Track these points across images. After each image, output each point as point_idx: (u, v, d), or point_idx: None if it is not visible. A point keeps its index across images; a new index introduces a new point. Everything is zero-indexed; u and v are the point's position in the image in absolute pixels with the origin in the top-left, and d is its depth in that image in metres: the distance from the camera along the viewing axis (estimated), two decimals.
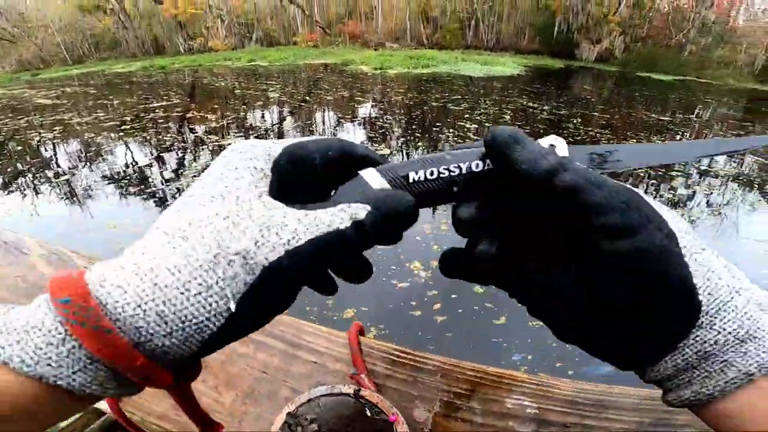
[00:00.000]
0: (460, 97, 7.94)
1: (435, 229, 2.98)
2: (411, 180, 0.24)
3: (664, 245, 0.20)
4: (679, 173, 4.27)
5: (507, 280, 0.25)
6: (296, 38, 20.80)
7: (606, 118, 6.69)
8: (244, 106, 7.72)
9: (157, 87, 10.87)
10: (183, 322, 0.17)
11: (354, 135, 5.58)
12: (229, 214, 0.19)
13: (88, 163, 4.92)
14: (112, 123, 6.62)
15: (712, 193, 3.89)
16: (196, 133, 5.93)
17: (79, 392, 0.17)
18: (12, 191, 4.22)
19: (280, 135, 5.67)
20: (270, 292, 0.19)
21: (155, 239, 0.18)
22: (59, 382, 0.16)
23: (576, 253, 0.22)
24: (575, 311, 0.22)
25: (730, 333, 0.20)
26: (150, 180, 4.26)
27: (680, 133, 6.24)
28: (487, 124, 5.89)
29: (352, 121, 6.46)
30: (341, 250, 0.20)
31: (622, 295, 0.20)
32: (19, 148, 5.74)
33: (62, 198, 3.96)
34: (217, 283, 0.17)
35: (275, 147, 0.23)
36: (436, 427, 0.36)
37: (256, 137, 5.35)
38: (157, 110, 7.43)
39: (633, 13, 17.78)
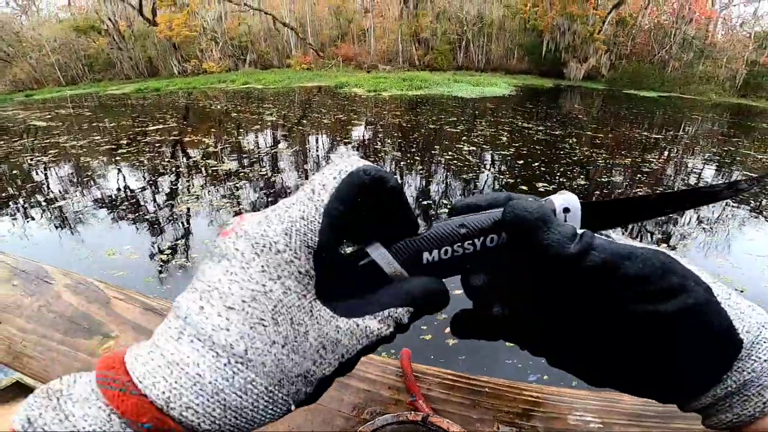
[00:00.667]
0: (455, 118, 8.06)
1: None
2: (425, 261, 0.23)
3: (707, 298, 0.22)
4: (671, 190, 4.32)
5: (521, 336, 0.26)
6: (290, 61, 21.15)
7: (599, 138, 6.82)
8: (240, 129, 7.77)
9: (151, 109, 10.90)
10: (251, 426, 0.19)
11: (349, 157, 5.62)
12: (286, 341, 0.19)
13: (81, 188, 4.87)
14: (107, 146, 6.60)
15: (699, 210, 3.95)
16: (192, 157, 5.93)
17: None
18: (2, 216, 4.14)
19: (275, 159, 5.68)
20: (322, 392, 0.21)
21: (205, 358, 0.18)
22: None
23: (599, 314, 0.23)
24: (606, 365, 0.24)
25: (765, 361, 0.22)
26: (144, 205, 4.22)
27: (671, 150, 6.38)
28: (485, 146, 5.95)
29: (346, 144, 6.51)
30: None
31: (671, 346, 0.22)
32: (14, 171, 5.68)
33: (53, 223, 3.90)
34: (282, 398, 0.20)
35: (306, 229, 0.20)
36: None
37: (252, 162, 5.40)
38: (152, 133, 7.43)
39: (617, 31, 18.38)
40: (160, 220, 3.81)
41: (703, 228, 3.64)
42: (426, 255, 0.23)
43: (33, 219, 4.03)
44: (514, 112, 9.14)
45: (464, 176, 4.61)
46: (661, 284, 0.22)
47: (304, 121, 8.34)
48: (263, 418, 0.19)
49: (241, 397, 0.18)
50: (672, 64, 17.50)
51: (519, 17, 19.21)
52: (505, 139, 6.37)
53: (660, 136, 7.32)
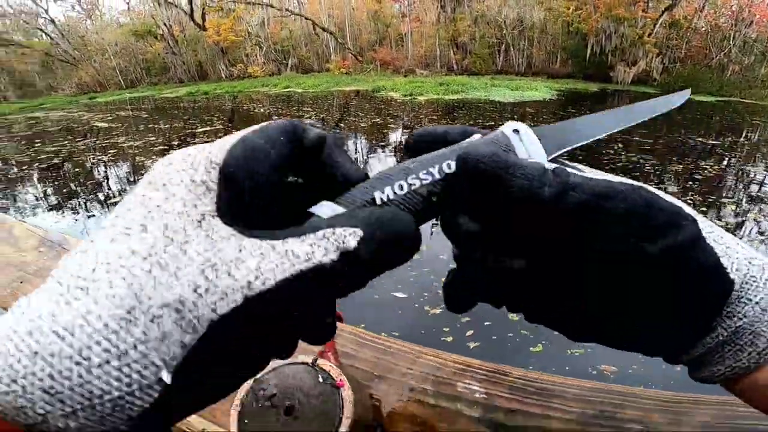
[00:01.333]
0: (493, 123, 7.95)
1: None
2: (379, 202, 0.19)
3: (697, 234, 0.20)
4: (729, 200, 4.06)
5: (510, 293, 0.23)
6: (329, 65, 21.65)
7: (648, 143, 6.48)
8: None
9: (201, 112, 11.56)
10: (89, 399, 0.12)
11: (386, 161, 5.69)
12: (152, 251, 0.14)
13: (127, 182, 5.25)
14: (161, 147, 7.08)
15: (761, 221, 3.68)
16: None
17: None
18: (65, 211, 4.52)
19: None
20: (229, 353, 0.14)
21: (46, 291, 0.14)
22: None
23: (582, 260, 0.20)
24: (593, 312, 0.21)
25: (756, 303, 0.20)
26: None
27: (729, 157, 5.95)
28: None
29: (383, 147, 6.59)
30: (326, 292, 0.16)
31: (657, 290, 0.20)
32: (77, 169, 6.22)
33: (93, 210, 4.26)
34: (134, 348, 0.13)
35: (217, 150, 0.17)
36: (393, 404, 0.38)
37: None
38: (201, 135, 7.90)
39: (670, 34, 17.38)
40: None
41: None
42: (378, 194, 0.20)
43: (93, 216, 4.41)
44: (556, 117, 8.88)
45: None
46: (647, 222, 0.19)
47: (342, 125, 8.53)
48: (105, 387, 0.13)
49: (63, 339, 0.13)
50: (732, 67, 16.30)
51: (561, 20, 18.62)
52: None
53: (717, 143, 6.85)
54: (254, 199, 0.17)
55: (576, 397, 0.34)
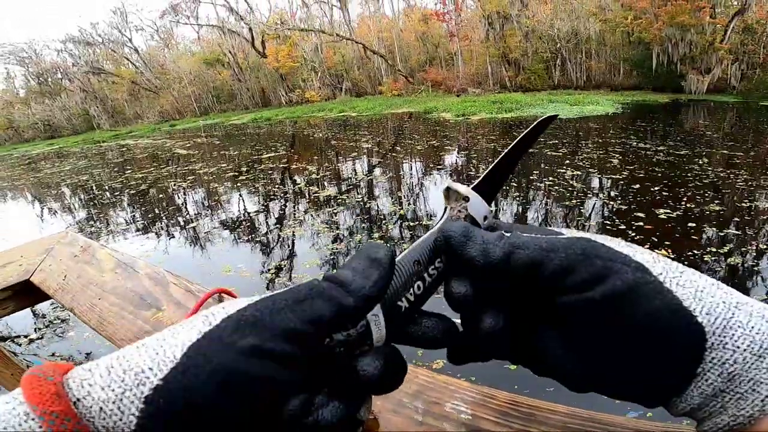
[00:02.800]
0: (556, 141, 7.68)
1: None
2: (403, 310, 0.24)
3: (638, 278, 0.20)
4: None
5: (509, 351, 0.25)
6: (381, 87, 22.26)
7: (739, 156, 5.93)
8: (339, 156, 8.43)
9: (265, 138, 12.37)
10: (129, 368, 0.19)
11: (442, 184, 5.73)
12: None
13: (210, 210, 5.72)
14: (231, 174, 7.68)
15: None
16: (297, 183, 6.60)
17: None
18: (150, 234, 5.02)
19: (370, 185, 6.02)
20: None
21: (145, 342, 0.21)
22: None
23: (555, 315, 0.22)
24: (579, 368, 0.22)
25: (745, 350, 0.19)
26: (258, 227, 4.82)
27: None
28: (591, 170, 5.55)
29: (439, 170, 6.65)
30: (338, 316, 0.20)
31: (615, 343, 0.20)
32: (160, 195, 6.92)
33: (188, 241, 4.63)
34: (173, 336, 0.20)
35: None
36: (386, 416, 0.39)
37: (349, 188, 5.82)
38: (265, 161, 8.46)
39: (744, 39, 15.91)
40: (270, 242, 4.29)
41: None
42: (401, 303, 0.24)
43: (173, 237, 4.86)
44: (625, 132, 8.40)
45: (566, 203, 4.37)
46: (585, 271, 0.20)
47: (398, 148, 8.71)
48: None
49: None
50: None
51: (620, 30, 17.75)
52: (616, 161, 5.88)
53: None
54: None
55: (559, 423, 0.34)
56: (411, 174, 6.68)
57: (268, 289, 3.22)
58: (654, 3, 16.29)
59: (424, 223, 4.26)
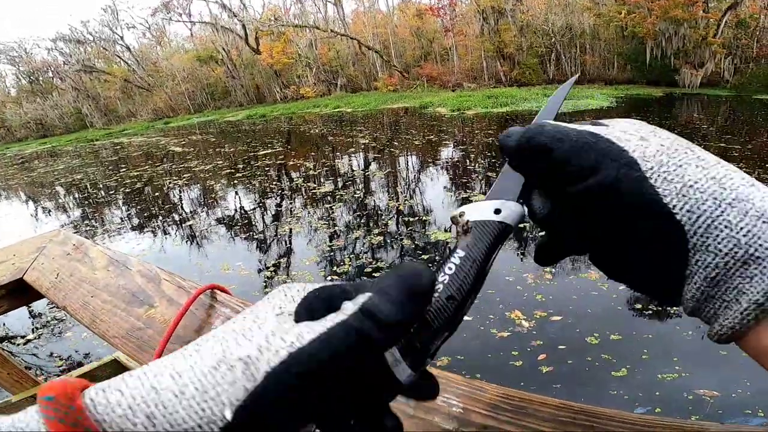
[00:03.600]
0: None
1: (538, 278, 2.84)
2: (434, 350, 0.22)
3: (622, 175, 0.20)
4: None
5: (575, 240, 0.25)
6: (377, 83, 22.15)
7: (736, 149, 6.00)
8: (335, 152, 8.41)
9: (260, 134, 12.30)
10: (172, 427, 0.16)
11: (438, 179, 5.73)
12: (242, 328, 0.19)
13: (207, 208, 5.70)
14: (228, 170, 7.65)
15: None
16: (295, 180, 6.58)
17: None
18: (147, 233, 4.98)
19: (367, 181, 6.01)
20: (276, 401, 0.17)
21: (176, 353, 0.19)
22: None
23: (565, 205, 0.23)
24: (596, 253, 0.23)
25: (727, 254, 0.18)
26: (255, 225, 4.78)
27: None
28: None
29: (434, 165, 6.65)
30: (358, 349, 0.18)
31: (606, 232, 0.21)
32: (156, 193, 6.88)
33: (185, 240, 4.60)
34: (213, 388, 0.17)
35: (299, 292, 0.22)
36: None
37: (346, 183, 5.81)
38: (261, 158, 8.40)
39: (737, 33, 15.99)
40: (267, 239, 4.28)
41: None
42: (434, 345, 0.22)
43: (170, 235, 4.82)
44: None
45: None
46: (577, 163, 0.21)
47: (395, 143, 8.70)
48: (186, 417, 0.16)
49: (173, 378, 0.17)
50: None
51: (614, 25, 17.76)
52: None
53: None
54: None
55: (550, 416, 0.34)
56: (408, 168, 6.68)
57: (266, 288, 3.23)
58: None
59: (422, 218, 4.28)
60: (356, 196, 5.31)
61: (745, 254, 0.18)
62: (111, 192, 7.47)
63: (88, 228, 5.51)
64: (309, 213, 4.89)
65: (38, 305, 3.20)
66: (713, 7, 16.13)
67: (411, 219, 4.32)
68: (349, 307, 0.19)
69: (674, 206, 0.19)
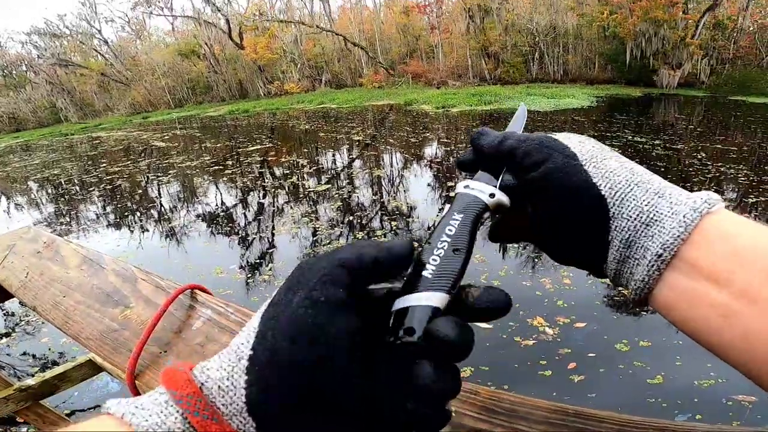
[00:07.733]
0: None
1: (557, 283, 2.79)
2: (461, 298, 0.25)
3: (565, 162, 0.27)
4: None
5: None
6: (362, 80, 22.00)
7: (733, 151, 6.14)
8: (319, 148, 8.33)
9: (245, 130, 12.08)
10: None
11: (422, 176, 5.75)
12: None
13: (194, 205, 5.52)
14: (216, 167, 7.44)
15: None
16: (277, 176, 6.48)
17: None
18: (134, 234, 4.75)
19: (351, 177, 5.99)
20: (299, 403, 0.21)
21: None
22: None
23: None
24: (543, 232, 0.29)
25: (635, 219, 0.24)
26: (247, 224, 4.66)
27: None
28: None
29: (419, 162, 6.66)
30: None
31: (553, 208, 0.27)
32: (139, 191, 6.64)
33: (173, 242, 4.38)
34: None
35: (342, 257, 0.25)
36: None
37: (330, 179, 5.76)
38: (247, 154, 8.26)
39: (714, 35, 16.49)
40: (261, 239, 4.17)
41: None
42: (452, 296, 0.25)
43: (155, 236, 4.59)
44: (599, 124, 8.67)
45: None
46: (532, 157, 0.28)
47: (380, 139, 8.68)
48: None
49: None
50: None
51: (596, 25, 18.10)
52: None
53: None
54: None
55: (542, 418, 0.35)
56: (392, 164, 6.67)
57: (247, 287, 3.17)
58: None
59: (413, 214, 4.29)
60: (341, 192, 5.25)
61: (647, 218, 0.24)
62: (91, 189, 7.17)
63: (63, 227, 5.29)
64: (293, 208, 4.83)
65: (11, 304, 3.08)
66: (692, 9, 16.55)
67: (404, 214, 4.30)
68: None
69: (600, 185, 0.26)
